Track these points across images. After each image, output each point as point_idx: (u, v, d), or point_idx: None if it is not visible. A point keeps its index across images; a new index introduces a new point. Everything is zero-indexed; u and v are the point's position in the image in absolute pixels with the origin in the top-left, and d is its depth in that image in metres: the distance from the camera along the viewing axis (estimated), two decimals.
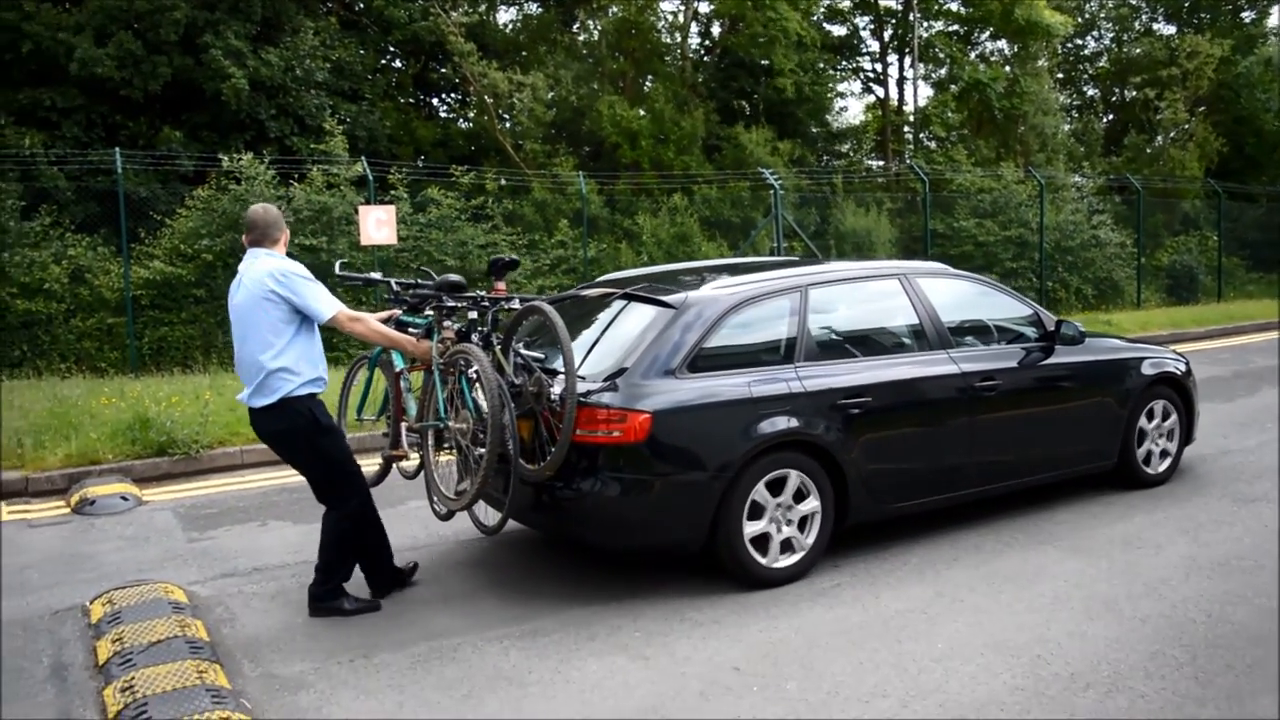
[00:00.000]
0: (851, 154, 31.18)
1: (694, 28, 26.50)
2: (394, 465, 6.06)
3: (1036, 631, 4.79)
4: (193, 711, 4.09)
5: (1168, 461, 7.33)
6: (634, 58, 23.99)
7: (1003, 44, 29.75)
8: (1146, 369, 7.20)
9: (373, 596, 5.42)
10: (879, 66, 30.72)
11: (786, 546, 5.54)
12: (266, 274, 4.98)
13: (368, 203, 15.67)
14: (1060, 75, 33.00)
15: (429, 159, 21.83)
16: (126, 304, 14.33)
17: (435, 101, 27.05)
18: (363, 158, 16.63)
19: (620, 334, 5.67)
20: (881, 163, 29.80)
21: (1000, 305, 6.94)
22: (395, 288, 5.85)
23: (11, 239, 14.53)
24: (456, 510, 5.39)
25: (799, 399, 5.54)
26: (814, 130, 28.07)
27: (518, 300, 5.38)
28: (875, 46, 30.51)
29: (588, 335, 5.86)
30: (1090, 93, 35.75)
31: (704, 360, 5.45)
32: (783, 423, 5.45)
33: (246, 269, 5.10)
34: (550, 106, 22.38)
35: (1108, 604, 5.09)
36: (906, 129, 30.11)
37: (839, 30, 29.84)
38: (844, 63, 30.57)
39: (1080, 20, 32.66)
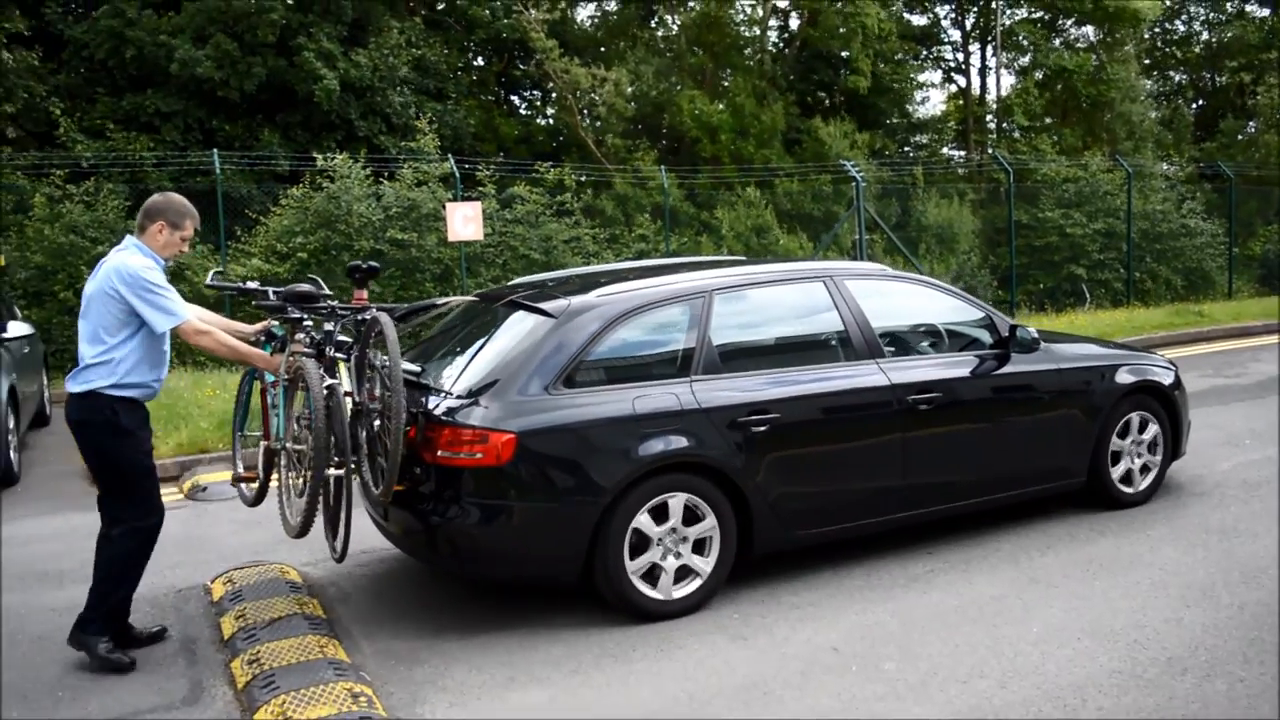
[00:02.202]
0: (932, 144, 30.89)
1: (772, 21, 26.52)
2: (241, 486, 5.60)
3: (1133, 617, 4.83)
4: (318, 681, 4.33)
5: (1149, 479, 6.62)
6: (713, 52, 24.11)
7: (1089, 29, 29.25)
8: (1122, 377, 6.50)
9: (71, 636, 4.88)
10: (960, 55, 30.40)
11: (679, 577, 5.08)
12: (114, 270, 4.71)
13: (455, 199, 16.03)
14: (1148, 61, 32.31)
15: (511, 155, 22.19)
16: (225, 300, 14.85)
17: (516, 99, 27.43)
18: (450, 156, 17.00)
19: (498, 345, 5.23)
20: (962, 153, 29.51)
21: (948, 309, 6.31)
22: (271, 298, 5.21)
23: (116, 237, 15.14)
24: (295, 536, 4.98)
25: (692, 416, 5.06)
26: (894, 121, 27.87)
27: (372, 310, 4.90)
28: (956, 35, 30.20)
29: (470, 346, 5.48)
30: (1179, 78, 34.92)
31: (584, 374, 5.03)
32: (670, 443, 4.98)
33: (107, 258, 4.84)
34: (631, 102, 22.57)
35: (1205, 591, 5.11)
36: (989, 118, 29.75)
37: (919, 20, 29.59)
38: (925, 53, 30.29)
39: (1169, 4, 31.94)
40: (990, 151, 26.02)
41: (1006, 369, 6.09)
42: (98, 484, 4.95)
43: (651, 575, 5.02)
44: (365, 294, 5.14)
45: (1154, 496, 6.67)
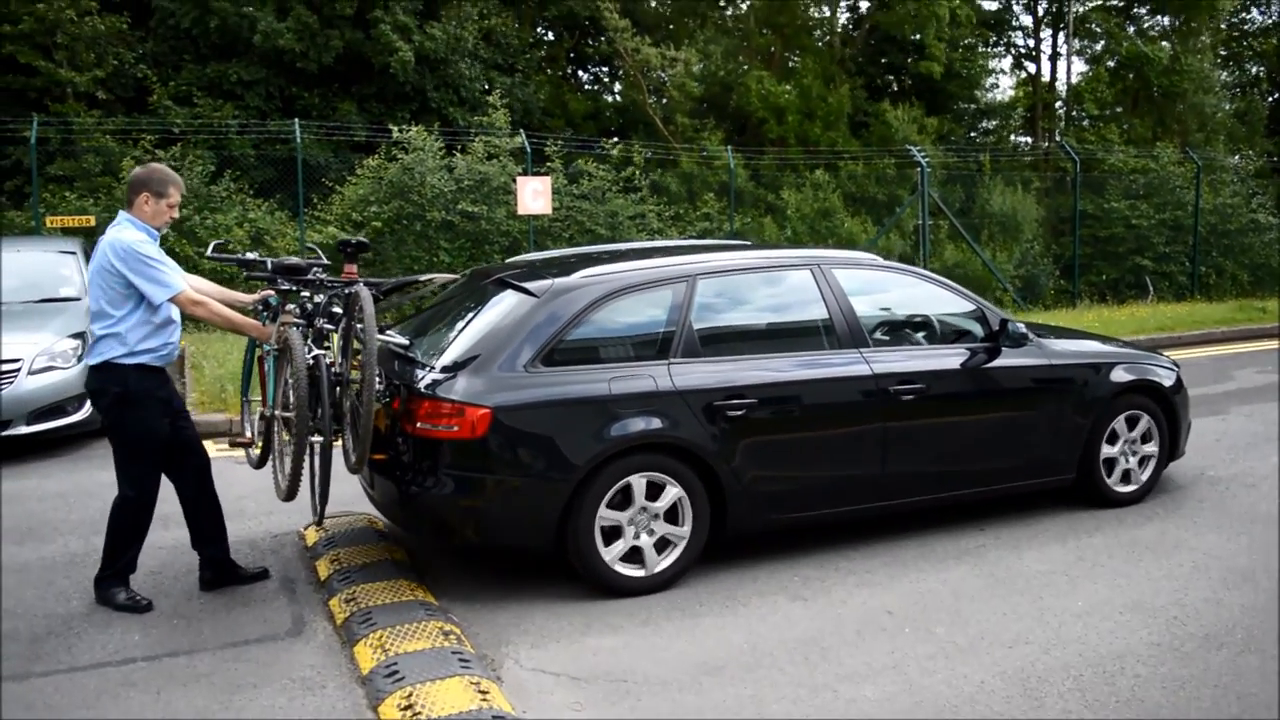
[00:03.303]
0: (998, 131, 30.73)
1: (843, 3, 26.55)
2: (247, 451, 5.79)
3: (1174, 596, 5.09)
4: (411, 620, 4.73)
5: (1143, 479, 6.60)
6: (782, 33, 24.21)
7: (1163, 18, 28.88)
8: (1118, 375, 6.47)
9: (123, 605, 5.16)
10: (1031, 42, 30.18)
11: (647, 555, 5.22)
12: (109, 246, 4.90)
13: (525, 173, 16.41)
14: (1223, 52, 31.80)
15: (579, 131, 22.51)
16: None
17: (584, 75, 27.73)
18: (522, 130, 17.36)
19: (483, 322, 5.36)
20: (1029, 140, 29.33)
21: (939, 301, 6.30)
22: (270, 268, 5.40)
23: (200, 202, 15.72)
24: (283, 500, 5.25)
25: (667, 398, 5.17)
26: (962, 106, 27.79)
27: (361, 285, 5.00)
28: (1028, 21, 29.97)
29: (458, 322, 5.60)
30: (1255, 70, 34.31)
31: (563, 353, 5.15)
32: (644, 423, 5.11)
33: (105, 234, 5.04)
34: (700, 81, 22.78)
35: (1245, 576, 5.35)
36: (1058, 106, 29.53)
37: (990, 4, 29.42)
38: (995, 38, 30.09)
39: None
40: (1058, 139, 25.88)
41: (995, 363, 6.09)
42: (112, 450, 5.19)
43: (621, 547, 5.15)
44: (355, 268, 5.26)
45: (1148, 495, 6.67)
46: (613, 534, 5.15)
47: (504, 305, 5.39)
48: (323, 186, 17.17)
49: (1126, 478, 6.57)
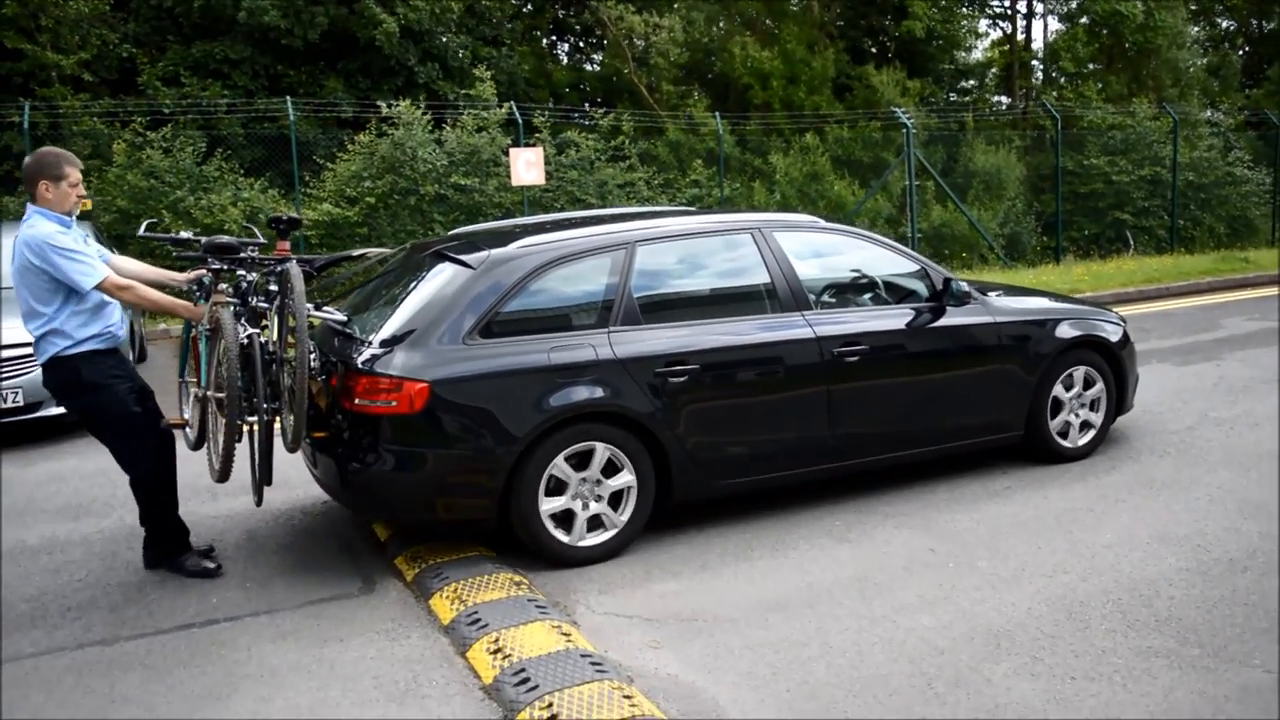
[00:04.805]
0: (976, 91, 30.98)
1: None
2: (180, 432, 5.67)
3: (1195, 526, 5.38)
4: (482, 573, 4.96)
5: (1090, 434, 6.65)
6: None
7: None
8: (1063, 331, 6.49)
9: (145, 564, 5.39)
10: (1007, 1, 30.36)
11: (595, 524, 5.24)
12: (24, 244, 4.86)
13: (515, 145, 16.53)
14: (1195, 7, 32.14)
15: (563, 101, 22.61)
16: (299, 243, 15.45)
17: (566, 45, 27.76)
18: (512, 103, 17.46)
19: (420, 296, 5.30)
20: (1007, 100, 29.60)
21: (881, 262, 6.28)
22: (202, 248, 5.27)
23: (193, 182, 15.77)
24: (217, 481, 5.19)
25: (608, 366, 5.17)
26: (943, 68, 28.02)
27: (292, 261, 4.98)
28: None
29: (394, 296, 5.55)
30: (1226, 25, 34.70)
31: (501, 325, 5.13)
32: (585, 393, 5.10)
33: (18, 233, 4.96)
34: (683, 48, 22.89)
35: (1259, 506, 5.65)
36: (1034, 64, 29.80)
37: None
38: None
39: None
40: (1037, 99, 26.17)
41: (939, 322, 6.10)
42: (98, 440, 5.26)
43: (566, 522, 5.17)
44: (288, 245, 5.24)
45: (1095, 451, 6.72)
46: (555, 497, 5.16)
47: (441, 278, 5.33)
48: (313, 163, 17.24)
49: (1078, 431, 6.62)
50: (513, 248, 5.38)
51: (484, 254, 5.33)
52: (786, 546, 5.34)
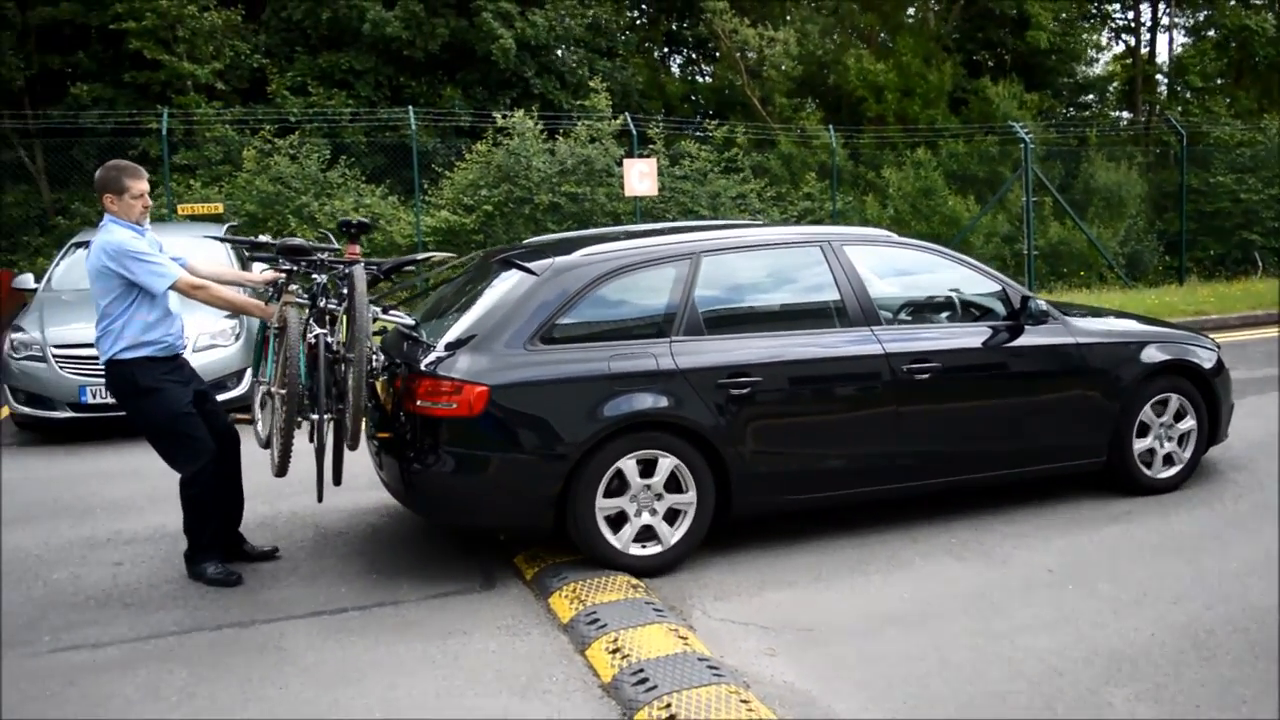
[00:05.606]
0: (1096, 106, 30.26)
1: None
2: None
3: None
4: (600, 574, 5.06)
5: (1178, 466, 6.33)
6: (880, 11, 24.14)
7: None
8: (1150, 355, 6.22)
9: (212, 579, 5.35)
10: (1130, 14, 29.61)
11: (648, 535, 5.21)
12: (101, 248, 5.12)
13: (629, 155, 16.72)
14: None
15: (675, 113, 22.75)
16: (418, 249, 15.85)
17: (679, 57, 27.96)
18: (626, 114, 17.66)
19: (485, 302, 5.40)
20: (1128, 115, 28.85)
21: (957, 279, 6.12)
22: (275, 250, 5.48)
23: (318, 188, 16.32)
24: (276, 475, 5.21)
25: (669, 377, 5.14)
26: (1062, 81, 27.44)
27: (359, 264, 5.15)
28: None
29: (462, 302, 5.67)
30: None
31: (563, 332, 5.17)
32: (644, 402, 5.09)
33: (95, 238, 5.25)
34: (798, 61, 22.86)
35: None
36: (1159, 79, 28.99)
37: None
38: (1093, 10, 29.61)
39: None
40: (1161, 114, 25.46)
41: (1015, 341, 5.93)
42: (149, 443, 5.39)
43: (619, 522, 5.16)
44: (357, 249, 5.41)
45: (1183, 484, 6.40)
46: (614, 508, 5.15)
47: (506, 285, 5.41)
48: (431, 171, 17.68)
49: (1165, 461, 6.33)
50: (576, 256, 5.42)
51: (548, 261, 5.38)
52: (902, 561, 5.34)
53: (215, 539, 5.42)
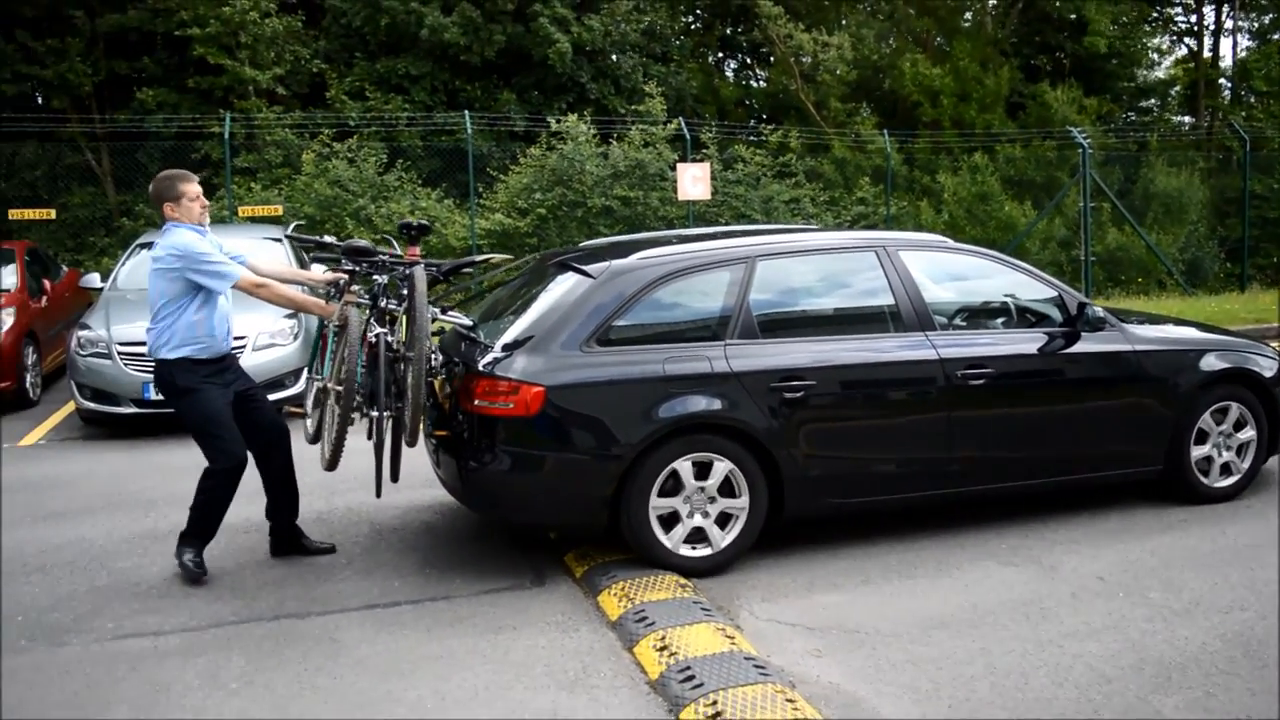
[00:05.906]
0: (1156, 110, 29.80)
1: None
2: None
3: None
4: (648, 573, 5.11)
5: (1236, 476, 6.27)
6: (936, 16, 23.99)
7: None
8: (1209, 363, 6.16)
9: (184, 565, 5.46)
10: (1192, 18, 29.15)
11: (699, 537, 5.26)
12: (168, 250, 5.28)
13: (682, 159, 16.78)
14: None
15: (729, 117, 22.78)
16: (472, 251, 16.03)
17: (733, 62, 27.98)
18: (680, 119, 17.73)
19: (543, 303, 5.46)
20: (1190, 119, 28.39)
21: (1012, 284, 6.14)
22: (339, 250, 5.61)
23: (375, 191, 16.56)
24: (326, 469, 5.36)
25: (724, 380, 5.20)
26: (1121, 85, 27.08)
27: (421, 265, 5.28)
28: None
29: (519, 303, 5.74)
30: None
31: (619, 334, 5.23)
32: (698, 404, 5.14)
33: (159, 240, 5.44)
34: (852, 66, 22.80)
35: None
36: (1223, 82, 28.49)
37: None
38: (1154, 14, 29.19)
39: None
40: (1223, 118, 25.03)
41: (1071, 348, 5.91)
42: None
43: (671, 522, 5.21)
44: (418, 250, 5.52)
45: (1241, 493, 6.33)
46: (667, 508, 5.21)
47: (563, 287, 5.49)
48: (486, 175, 17.87)
49: (1223, 471, 6.26)
50: (632, 259, 5.49)
51: (605, 264, 5.45)
52: (950, 566, 5.33)
53: (207, 535, 5.51)
